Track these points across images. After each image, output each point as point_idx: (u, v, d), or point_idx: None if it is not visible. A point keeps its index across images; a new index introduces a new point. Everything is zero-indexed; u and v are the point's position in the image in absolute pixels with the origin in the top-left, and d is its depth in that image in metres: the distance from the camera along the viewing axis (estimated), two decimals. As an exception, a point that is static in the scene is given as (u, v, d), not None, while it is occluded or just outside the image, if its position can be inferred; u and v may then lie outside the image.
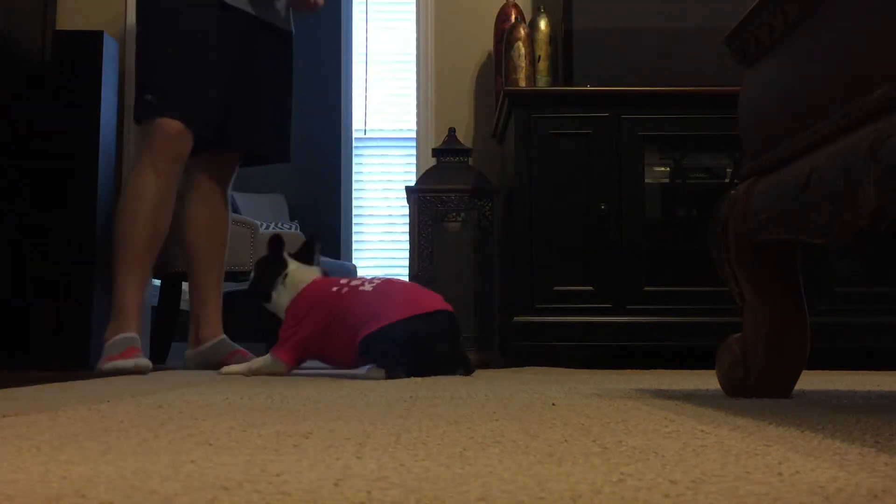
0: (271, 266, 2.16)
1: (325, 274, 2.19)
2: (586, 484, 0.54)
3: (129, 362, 2.12)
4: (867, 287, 2.77)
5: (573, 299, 2.79)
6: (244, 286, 4.04)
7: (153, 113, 2.27)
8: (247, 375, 2.02)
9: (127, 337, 2.21)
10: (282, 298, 2.13)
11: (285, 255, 2.16)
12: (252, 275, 2.23)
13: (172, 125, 2.25)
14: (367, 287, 2.05)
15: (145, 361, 2.17)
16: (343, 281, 2.11)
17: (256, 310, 2.63)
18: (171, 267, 3.07)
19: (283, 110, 2.56)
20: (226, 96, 2.38)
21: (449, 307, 2.05)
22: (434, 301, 2.03)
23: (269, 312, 2.20)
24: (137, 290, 2.27)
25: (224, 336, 2.52)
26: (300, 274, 2.14)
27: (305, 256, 2.20)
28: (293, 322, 2.08)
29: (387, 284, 2.09)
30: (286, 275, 2.13)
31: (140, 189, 2.26)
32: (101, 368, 2.13)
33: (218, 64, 2.33)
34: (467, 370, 2.01)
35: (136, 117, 2.38)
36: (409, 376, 1.86)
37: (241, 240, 3.12)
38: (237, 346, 2.49)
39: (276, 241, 2.18)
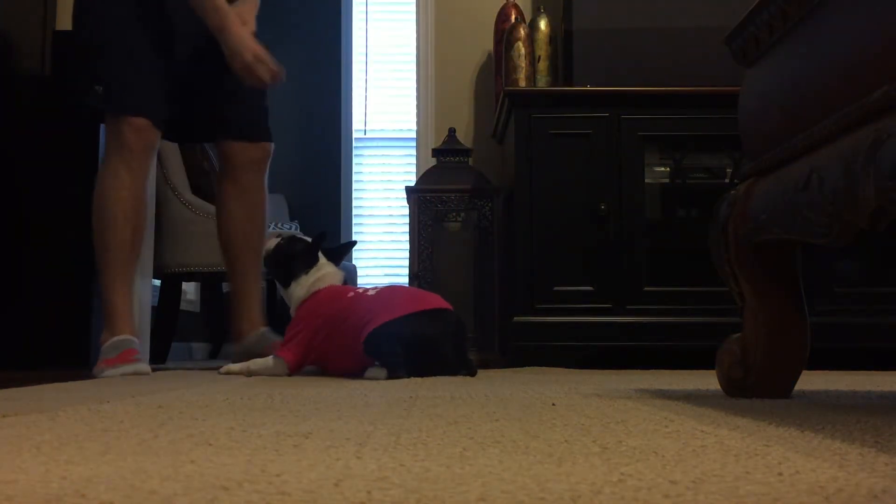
0: (305, 255, 2.15)
1: (344, 281, 2.20)
2: (586, 484, 0.54)
3: (126, 368, 2.10)
4: (867, 287, 2.77)
5: (573, 299, 2.79)
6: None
7: (114, 108, 2.22)
8: (247, 376, 2.02)
9: (122, 339, 2.18)
10: (297, 291, 2.13)
11: (320, 252, 2.17)
12: (275, 248, 2.19)
13: (140, 122, 2.21)
14: (371, 292, 2.06)
15: (144, 367, 2.14)
16: (355, 289, 2.13)
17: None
18: (171, 268, 3.07)
19: (262, 91, 2.52)
20: (194, 85, 2.33)
21: (451, 308, 2.05)
22: (437, 300, 2.03)
23: (268, 310, 2.19)
24: (127, 290, 2.23)
25: (265, 328, 2.47)
26: (323, 274, 2.14)
27: (335, 257, 2.20)
28: (299, 324, 2.08)
29: (389, 288, 2.11)
30: (316, 268, 2.14)
31: (116, 188, 2.21)
32: (99, 375, 2.11)
33: (162, 52, 2.26)
34: (470, 371, 2.00)
35: (89, 104, 2.26)
36: (411, 376, 1.85)
37: (241, 240, 3.11)
38: (278, 338, 2.45)
39: (322, 237, 2.20)
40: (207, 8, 2.19)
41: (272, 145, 2.51)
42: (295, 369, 2.05)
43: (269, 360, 2.05)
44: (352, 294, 2.09)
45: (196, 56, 2.34)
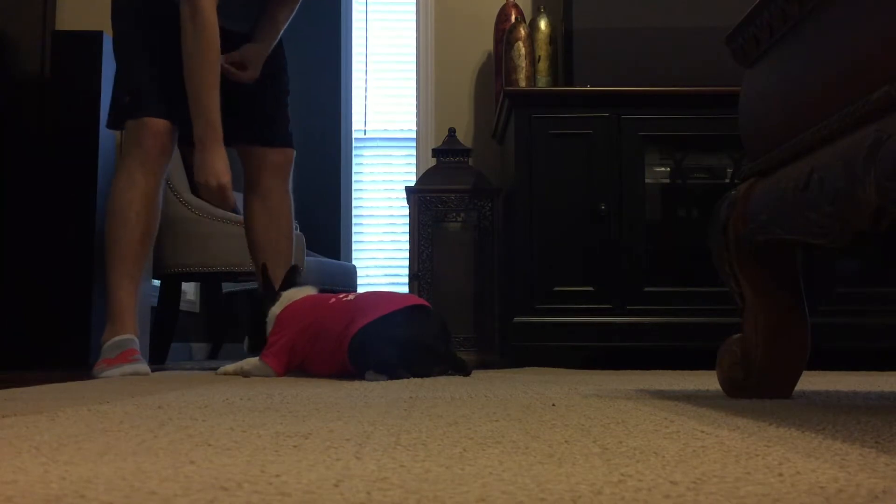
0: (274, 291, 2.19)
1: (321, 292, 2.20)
2: (586, 485, 0.54)
3: (126, 368, 2.10)
4: (868, 287, 2.77)
5: (573, 300, 2.79)
6: (243, 286, 4.05)
7: (136, 113, 2.26)
8: (243, 376, 2.02)
9: (123, 339, 2.19)
10: (275, 310, 2.13)
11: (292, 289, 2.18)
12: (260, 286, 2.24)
13: (158, 123, 2.24)
14: (351, 297, 2.04)
15: (144, 367, 2.14)
16: (336, 296, 2.10)
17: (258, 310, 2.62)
18: (170, 268, 3.07)
19: (283, 98, 2.54)
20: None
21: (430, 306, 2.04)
22: (418, 299, 2.02)
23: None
24: (132, 290, 2.24)
25: None
26: (295, 293, 2.15)
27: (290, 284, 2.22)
28: (281, 329, 2.06)
29: (366, 293, 2.11)
30: (292, 291, 2.15)
31: (129, 189, 2.24)
32: (98, 375, 2.11)
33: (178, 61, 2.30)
34: (464, 371, 1.98)
35: (112, 123, 2.36)
36: (411, 376, 1.83)
37: (241, 239, 3.11)
38: None
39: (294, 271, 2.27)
40: (199, 115, 2.21)
41: (294, 151, 2.53)
42: (281, 374, 2.03)
43: (258, 362, 2.03)
44: (333, 300, 2.06)
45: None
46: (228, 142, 2.46)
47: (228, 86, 2.37)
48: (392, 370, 1.83)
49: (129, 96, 2.27)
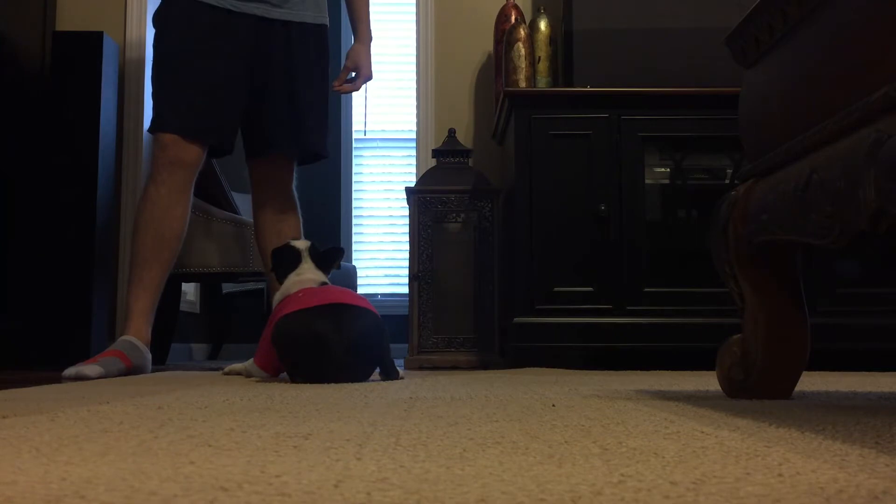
0: (290, 258, 2.06)
1: (323, 284, 2.10)
2: (586, 485, 0.54)
3: (79, 367, 2.08)
4: (868, 287, 2.77)
5: (573, 300, 2.79)
6: (243, 287, 4.04)
7: (153, 128, 2.35)
8: (245, 376, 2.02)
9: (121, 339, 2.27)
10: (277, 296, 2.09)
11: (304, 252, 2.06)
12: (273, 259, 2.14)
13: (165, 137, 2.32)
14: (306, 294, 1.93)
15: (92, 368, 2.08)
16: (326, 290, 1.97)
17: (257, 310, 2.62)
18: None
19: (316, 105, 2.54)
20: (231, 101, 2.39)
21: (359, 303, 1.86)
22: (337, 296, 1.85)
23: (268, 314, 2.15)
24: (142, 294, 2.31)
25: None
26: (303, 276, 2.06)
27: (323, 263, 2.09)
28: (266, 329, 2.04)
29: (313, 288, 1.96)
30: (296, 272, 2.07)
31: (143, 199, 2.34)
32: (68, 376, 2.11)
33: (209, 71, 2.33)
34: (388, 375, 1.84)
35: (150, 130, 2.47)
36: (305, 381, 1.73)
37: (240, 240, 3.12)
38: None
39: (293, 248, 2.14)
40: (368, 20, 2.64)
41: (289, 158, 2.54)
42: (274, 375, 1.99)
43: (251, 364, 2.01)
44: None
45: (218, 70, 2.38)
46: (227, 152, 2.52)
47: (234, 98, 2.40)
48: (291, 376, 1.80)
49: (154, 110, 2.35)
